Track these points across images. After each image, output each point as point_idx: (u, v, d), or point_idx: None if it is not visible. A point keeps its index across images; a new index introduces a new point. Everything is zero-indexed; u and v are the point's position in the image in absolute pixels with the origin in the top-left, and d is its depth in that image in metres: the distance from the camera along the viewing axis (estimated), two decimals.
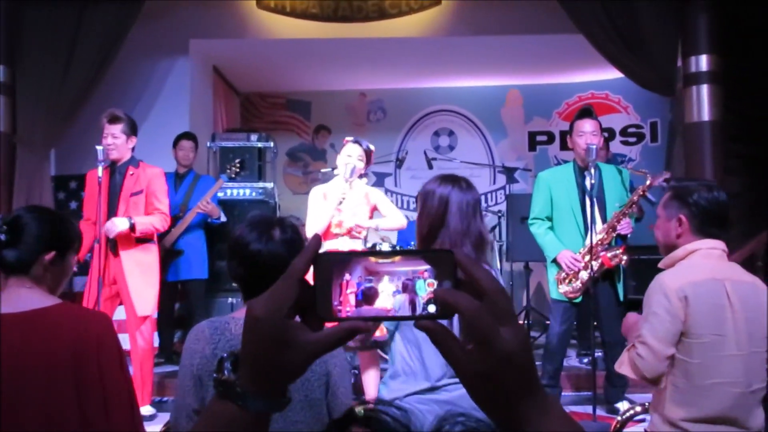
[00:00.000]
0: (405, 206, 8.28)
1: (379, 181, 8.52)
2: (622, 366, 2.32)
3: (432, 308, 0.66)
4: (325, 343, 0.66)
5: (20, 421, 1.71)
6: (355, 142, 4.33)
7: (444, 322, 0.66)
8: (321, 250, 0.68)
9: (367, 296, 0.67)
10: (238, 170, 5.54)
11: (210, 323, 1.86)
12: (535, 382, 0.65)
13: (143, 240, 4.44)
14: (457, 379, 2.15)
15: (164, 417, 4.23)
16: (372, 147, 4.40)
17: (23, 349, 1.74)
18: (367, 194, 4.31)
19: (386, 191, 8.49)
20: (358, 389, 4.66)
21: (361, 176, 4.35)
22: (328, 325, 0.67)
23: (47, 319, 1.80)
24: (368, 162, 4.35)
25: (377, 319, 0.67)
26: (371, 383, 4.00)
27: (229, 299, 5.71)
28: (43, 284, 1.90)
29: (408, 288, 0.66)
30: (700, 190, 2.33)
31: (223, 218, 5.43)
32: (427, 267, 0.66)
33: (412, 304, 0.66)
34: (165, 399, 4.86)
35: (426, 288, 0.66)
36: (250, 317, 0.66)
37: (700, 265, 2.29)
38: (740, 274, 2.33)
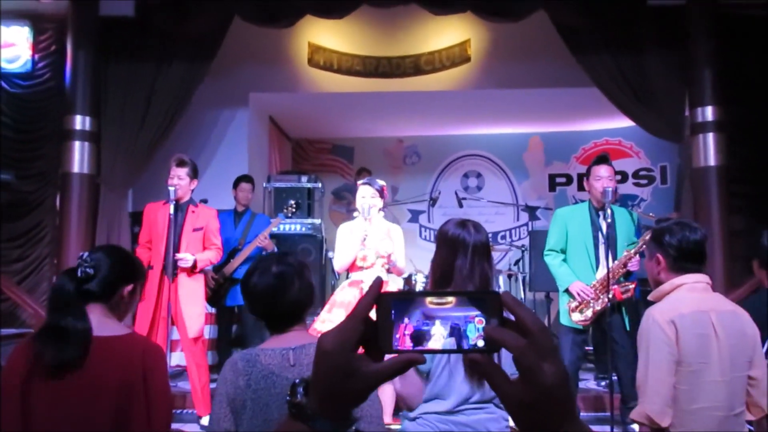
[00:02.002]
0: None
1: (414, 217, 8.54)
2: (641, 415, 2.24)
3: (480, 343, 0.67)
4: (385, 372, 0.68)
5: None
6: (366, 183, 4.35)
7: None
8: (382, 290, 0.70)
9: (419, 339, 0.68)
10: (294, 211, 5.61)
11: (242, 356, 1.82)
12: (573, 411, 0.66)
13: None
14: (474, 406, 2.13)
15: None
16: (382, 183, 4.41)
17: (102, 369, 1.79)
18: (388, 230, 4.30)
19: (420, 227, 8.50)
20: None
21: (379, 210, 4.35)
22: (387, 356, 0.69)
23: (122, 345, 1.86)
24: (383, 197, 4.36)
25: (431, 352, 0.69)
26: (387, 401, 3.97)
27: None
28: (116, 312, 1.95)
29: (458, 331, 0.68)
30: (674, 231, 2.30)
31: (276, 251, 5.50)
32: (478, 312, 0.68)
33: (458, 344, 0.68)
34: None
35: (476, 331, 0.67)
36: (321, 350, 0.68)
37: (686, 299, 2.25)
38: (724, 305, 2.29)
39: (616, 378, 4.28)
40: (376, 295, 0.69)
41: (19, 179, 5.70)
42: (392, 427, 4.22)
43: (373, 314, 0.69)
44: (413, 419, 2.20)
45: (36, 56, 6.01)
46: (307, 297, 1.87)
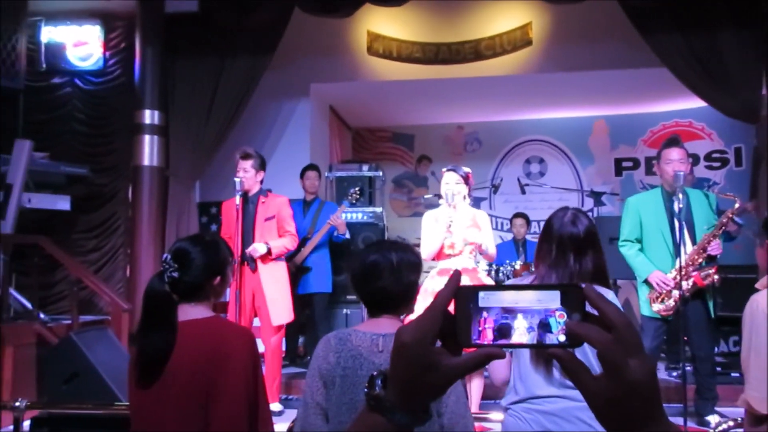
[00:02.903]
0: (500, 227, 8.17)
1: (476, 204, 8.42)
2: (751, 402, 2.16)
3: (562, 338, 0.65)
4: (464, 367, 0.67)
5: (164, 411, 1.83)
6: (450, 170, 4.31)
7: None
8: (461, 283, 0.69)
9: (503, 332, 0.66)
10: (358, 197, 5.63)
11: (336, 334, 1.89)
12: (659, 409, 0.63)
13: (276, 258, 4.62)
14: (558, 392, 2.07)
15: (291, 413, 4.33)
16: (468, 170, 4.36)
17: (179, 352, 1.84)
18: (474, 216, 4.26)
19: None
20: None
21: (465, 197, 4.31)
22: (466, 350, 0.68)
23: (197, 327, 1.89)
24: (467, 184, 4.31)
25: (511, 347, 0.67)
26: (475, 392, 3.96)
27: (344, 310, 5.80)
28: (206, 301, 1.99)
29: (540, 326, 0.66)
30: None
31: (348, 235, 5.53)
32: (559, 306, 0.65)
33: (540, 339, 0.66)
34: (291, 397, 4.97)
35: (558, 325, 0.65)
36: (399, 343, 0.68)
37: None
38: None
39: (689, 368, 4.14)
40: (455, 288, 0.68)
41: (94, 173, 5.94)
42: (488, 416, 4.19)
43: (451, 308, 0.68)
44: (506, 409, 2.17)
45: (107, 54, 6.24)
46: (411, 293, 1.89)
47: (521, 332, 0.66)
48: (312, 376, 1.85)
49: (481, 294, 0.67)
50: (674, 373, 5.06)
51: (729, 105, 5.32)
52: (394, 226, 7.74)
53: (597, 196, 6.92)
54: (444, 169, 4.37)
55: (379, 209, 6.68)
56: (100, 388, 3.56)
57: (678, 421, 4.11)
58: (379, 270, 1.84)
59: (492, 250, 4.23)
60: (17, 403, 2.84)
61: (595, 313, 0.64)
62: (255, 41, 5.74)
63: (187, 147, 5.70)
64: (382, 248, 1.89)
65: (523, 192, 7.07)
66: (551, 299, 0.66)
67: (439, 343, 0.69)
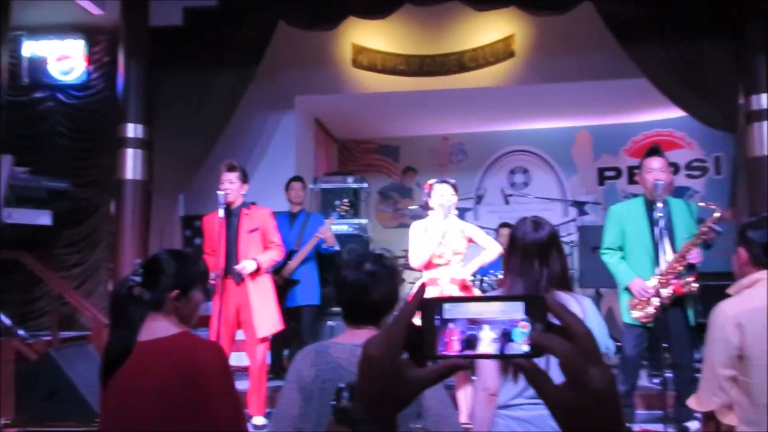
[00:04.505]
0: None
1: (461, 215, 8.37)
2: (697, 403, 2.26)
3: (525, 348, 0.66)
4: (429, 378, 0.68)
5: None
6: (443, 182, 4.35)
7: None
8: (426, 295, 0.70)
9: (469, 343, 0.67)
10: (347, 209, 5.62)
11: (314, 347, 1.89)
12: (619, 416, 0.65)
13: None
14: (532, 401, 2.09)
15: None
16: (453, 181, 4.43)
17: (144, 372, 1.82)
18: (462, 229, 4.31)
19: None
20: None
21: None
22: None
23: (162, 347, 1.86)
24: (457, 195, 4.38)
25: (477, 357, 0.68)
26: (463, 399, 3.97)
27: (329, 323, 5.79)
28: (172, 316, 1.95)
29: (504, 337, 0.67)
30: (758, 225, 2.30)
31: (337, 247, 5.52)
32: (523, 316, 0.67)
33: (503, 349, 0.67)
34: None
35: (521, 336, 0.66)
36: (366, 355, 0.68)
37: (761, 294, 2.22)
38: None
39: (671, 375, 4.17)
40: (419, 300, 0.69)
41: (77, 187, 5.91)
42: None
43: (418, 320, 0.69)
44: None
45: (90, 67, 6.23)
46: (390, 302, 1.91)
47: (486, 343, 0.67)
48: (289, 389, 1.84)
49: (447, 306, 0.68)
50: (656, 380, 5.09)
51: (708, 115, 5.39)
52: (380, 238, 7.74)
53: (580, 206, 6.99)
54: (433, 182, 4.40)
55: (364, 221, 6.69)
56: (80, 406, 3.53)
57: (658, 427, 4.15)
58: (377, 280, 1.86)
59: (496, 250, 4.38)
60: None
61: (558, 323, 0.66)
62: (240, 54, 5.75)
63: (171, 160, 5.67)
64: (362, 261, 1.90)
65: (507, 202, 7.12)
66: (515, 310, 0.67)
67: (406, 355, 0.69)
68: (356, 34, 6.75)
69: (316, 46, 6.61)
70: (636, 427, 4.40)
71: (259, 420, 4.55)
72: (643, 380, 5.25)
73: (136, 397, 1.80)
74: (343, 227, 6.39)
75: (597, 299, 6.19)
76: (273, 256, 4.59)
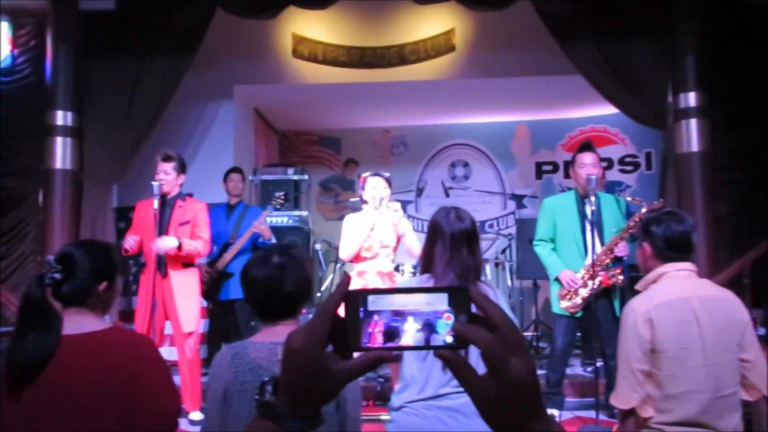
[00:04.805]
0: (424, 229, 8.25)
1: (401, 207, 8.52)
2: (617, 399, 2.34)
3: (449, 339, 0.66)
4: (354, 370, 0.67)
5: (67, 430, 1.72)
6: (376, 175, 4.36)
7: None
8: (351, 286, 0.70)
9: (393, 335, 0.67)
10: (282, 202, 5.56)
11: (231, 349, 1.84)
12: (541, 405, 0.65)
13: (188, 264, 4.53)
14: (458, 389, 2.13)
15: None
16: (387, 174, 4.44)
17: (76, 368, 1.74)
18: (395, 224, 4.32)
19: (408, 217, 8.49)
20: (385, 396, 4.66)
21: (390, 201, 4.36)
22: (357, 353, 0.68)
23: (99, 342, 1.80)
24: (390, 188, 4.39)
25: (401, 349, 0.68)
26: None
27: None
28: (97, 310, 1.90)
29: (428, 328, 0.67)
30: (660, 220, 2.36)
31: (273, 240, 5.46)
32: (447, 308, 0.67)
33: (427, 341, 0.67)
34: None
35: (445, 327, 0.66)
36: (289, 349, 0.68)
37: (666, 287, 2.30)
38: (709, 290, 2.33)
39: (602, 364, 4.31)
40: (343, 292, 0.68)
41: (1, 176, 5.65)
42: (381, 417, 4.24)
43: (342, 312, 0.68)
44: (398, 409, 2.20)
45: (15, 51, 5.94)
46: (304, 292, 1.87)
47: (411, 334, 0.67)
48: (212, 398, 1.80)
49: (371, 297, 0.68)
50: (589, 369, 5.26)
51: (639, 112, 5.57)
52: (321, 230, 7.71)
53: (519, 199, 7.14)
54: (366, 174, 4.41)
55: (304, 213, 6.65)
56: None
57: (591, 413, 4.29)
58: (288, 271, 1.82)
59: (417, 250, 4.30)
60: None
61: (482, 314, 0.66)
62: (176, 41, 5.60)
63: (103, 149, 5.49)
64: (268, 255, 1.86)
65: (448, 195, 7.21)
66: (439, 301, 0.67)
67: (331, 348, 0.69)
68: (297, 24, 6.68)
69: (255, 36, 6.51)
70: (569, 414, 4.54)
71: (195, 415, 4.49)
72: (577, 369, 5.43)
73: (68, 394, 1.72)
74: (283, 219, 6.33)
75: (534, 290, 6.35)
76: (198, 246, 4.50)
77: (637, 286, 2.43)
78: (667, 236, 2.32)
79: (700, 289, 2.31)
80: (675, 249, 2.33)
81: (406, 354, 2.23)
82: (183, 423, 4.54)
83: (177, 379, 4.61)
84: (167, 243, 4.32)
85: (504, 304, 2.29)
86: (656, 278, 2.35)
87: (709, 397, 2.19)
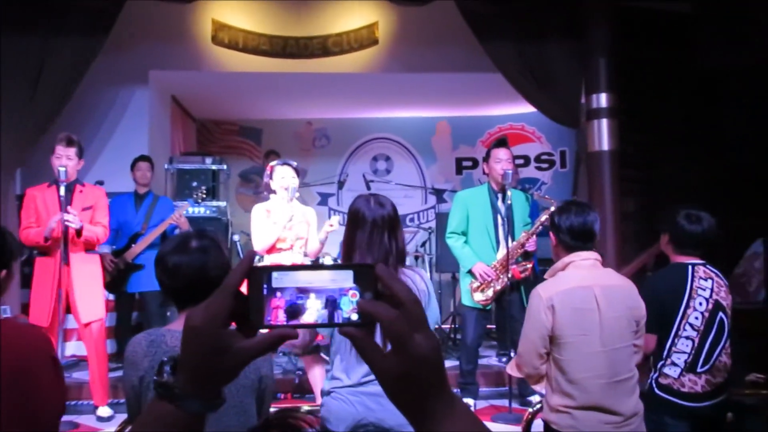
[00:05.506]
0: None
1: (323, 200, 8.51)
2: (511, 368, 2.47)
3: (354, 316, 0.66)
4: (257, 348, 0.66)
5: None
6: (285, 164, 4.32)
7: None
8: (257, 263, 0.68)
9: (296, 312, 0.67)
10: (204, 196, 5.42)
11: (147, 336, 1.77)
12: (444, 382, 0.66)
13: (89, 251, 4.41)
14: None
15: (121, 417, 4.10)
16: (296, 164, 4.41)
17: None
18: (304, 213, 4.32)
19: (329, 209, 8.48)
20: (303, 388, 4.64)
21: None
22: (261, 331, 0.67)
23: None
24: (299, 177, 4.36)
25: (305, 326, 0.68)
26: (317, 380, 3.99)
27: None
28: None
29: (332, 305, 0.67)
30: (563, 212, 2.50)
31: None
32: (353, 285, 0.67)
33: (331, 317, 0.67)
34: (122, 401, 4.70)
35: (350, 304, 0.66)
36: (189, 327, 0.66)
37: (571, 275, 2.43)
38: (612, 279, 2.46)
39: (513, 354, 4.46)
40: (246, 269, 0.67)
41: None
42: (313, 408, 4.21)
43: (245, 289, 0.67)
44: (328, 393, 2.22)
45: None
46: (216, 277, 1.81)
47: (314, 311, 0.67)
48: (129, 386, 1.74)
49: (275, 274, 0.67)
50: (503, 359, 5.42)
51: (554, 111, 5.78)
52: (240, 222, 7.56)
53: (439, 194, 7.25)
54: (274, 163, 4.37)
55: (223, 204, 6.51)
56: None
57: (504, 402, 4.43)
58: (211, 254, 1.79)
59: (314, 246, 4.32)
60: None
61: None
62: (87, 22, 5.34)
63: (5, 133, 5.17)
64: (185, 242, 1.82)
65: (369, 188, 7.22)
66: (345, 279, 0.67)
67: (234, 326, 0.67)
68: (217, 10, 6.51)
69: (173, 20, 6.30)
70: (484, 402, 4.67)
71: (104, 411, 4.35)
72: (492, 359, 5.58)
73: None
74: (200, 210, 6.18)
75: (453, 283, 6.47)
76: (97, 231, 4.39)
77: (546, 275, 2.54)
78: (570, 226, 2.44)
79: (603, 278, 2.43)
80: (578, 238, 2.45)
81: (336, 340, 2.23)
82: (90, 419, 4.37)
83: (85, 374, 4.45)
84: (76, 219, 4.16)
85: (431, 290, 2.33)
86: (564, 267, 2.46)
87: (607, 381, 2.31)
